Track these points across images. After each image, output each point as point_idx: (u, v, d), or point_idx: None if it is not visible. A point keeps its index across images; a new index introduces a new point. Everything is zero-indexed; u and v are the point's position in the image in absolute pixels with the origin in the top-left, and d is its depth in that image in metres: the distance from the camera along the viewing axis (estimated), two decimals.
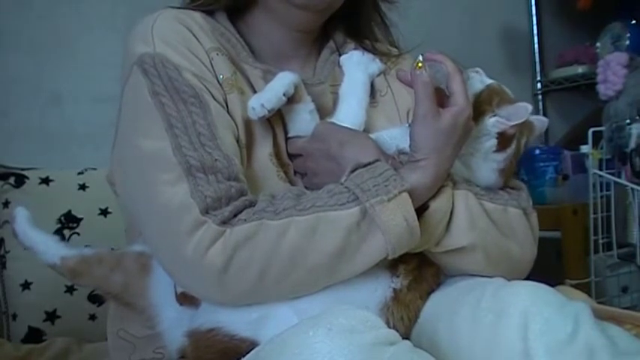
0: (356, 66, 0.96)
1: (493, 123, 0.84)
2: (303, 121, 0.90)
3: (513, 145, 0.86)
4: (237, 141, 0.86)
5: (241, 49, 0.94)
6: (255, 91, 0.91)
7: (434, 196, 0.81)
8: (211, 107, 0.84)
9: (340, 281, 0.78)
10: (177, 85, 0.83)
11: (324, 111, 0.93)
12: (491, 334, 0.74)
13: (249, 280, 0.75)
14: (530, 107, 0.83)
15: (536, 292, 0.75)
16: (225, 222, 0.76)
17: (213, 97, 0.85)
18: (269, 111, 0.85)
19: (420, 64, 0.80)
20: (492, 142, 0.85)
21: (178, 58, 0.86)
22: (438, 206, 0.81)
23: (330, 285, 0.78)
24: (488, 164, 0.86)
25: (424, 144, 0.80)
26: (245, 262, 0.75)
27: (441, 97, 0.82)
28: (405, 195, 0.76)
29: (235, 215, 0.76)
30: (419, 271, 0.84)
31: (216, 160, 0.79)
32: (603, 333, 0.72)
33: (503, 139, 0.85)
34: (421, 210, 0.79)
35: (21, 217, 0.95)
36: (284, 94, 0.86)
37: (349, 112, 0.91)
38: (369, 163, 0.79)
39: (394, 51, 1.05)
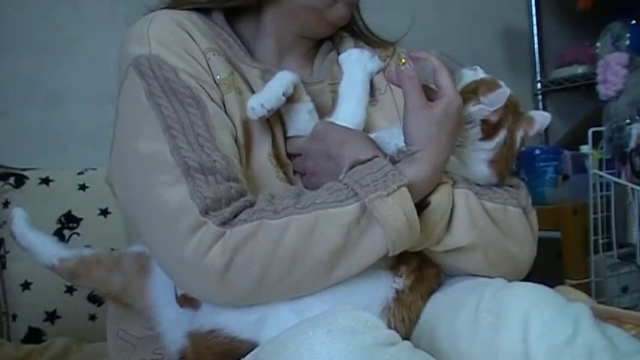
0: (355, 64, 0.95)
1: (476, 110, 0.85)
2: (302, 120, 0.90)
3: (502, 134, 0.86)
4: (236, 141, 0.85)
5: (238, 49, 0.94)
6: (253, 91, 0.91)
7: (434, 193, 0.81)
8: (209, 108, 0.83)
9: (341, 281, 0.78)
10: (174, 86, 0.83)
11: (324, 110, 0.92)
12: (491, 336, 0.73)
13: (250, 281, 0.75)
14: (508, 91, 0.84)
15: (537, 293, 0.75)
16: (225, 223, 0.75)
17: (210, 97, 0.85)
18: (268, 111, 0.85)
19: (403, 61, 0.82)
20: (477, 130, 0.85)
21: (174, 59, 0.86)
22: (438, 203, 0.80)
23: (331, 285, 0.78)
24: (477, 154, 0.86)
25: (418, 134, 0.80)
26: (245, 263, 0.74)
27: (430, 95, 0.82)
28: (404, 189, 0.76)
29: (235, 216, 0.76)
30: (420, 271, 0.84)
31: (215, 161, 0.79)
32: (603, 334, 0.72)
33: (488, 127, 0.85)
34: (422, 207, 0.79)
35: (18, 217, 0.94)
36: (283, 94, 0.86)
37: (348, 111, 0.91)
38: (368, 160, 0.78)
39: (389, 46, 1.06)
